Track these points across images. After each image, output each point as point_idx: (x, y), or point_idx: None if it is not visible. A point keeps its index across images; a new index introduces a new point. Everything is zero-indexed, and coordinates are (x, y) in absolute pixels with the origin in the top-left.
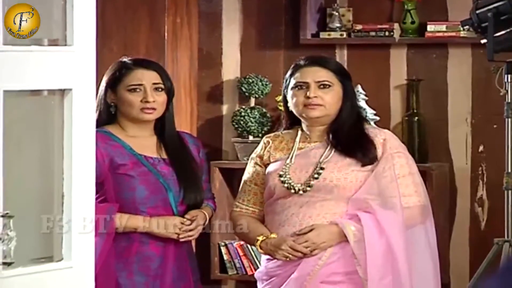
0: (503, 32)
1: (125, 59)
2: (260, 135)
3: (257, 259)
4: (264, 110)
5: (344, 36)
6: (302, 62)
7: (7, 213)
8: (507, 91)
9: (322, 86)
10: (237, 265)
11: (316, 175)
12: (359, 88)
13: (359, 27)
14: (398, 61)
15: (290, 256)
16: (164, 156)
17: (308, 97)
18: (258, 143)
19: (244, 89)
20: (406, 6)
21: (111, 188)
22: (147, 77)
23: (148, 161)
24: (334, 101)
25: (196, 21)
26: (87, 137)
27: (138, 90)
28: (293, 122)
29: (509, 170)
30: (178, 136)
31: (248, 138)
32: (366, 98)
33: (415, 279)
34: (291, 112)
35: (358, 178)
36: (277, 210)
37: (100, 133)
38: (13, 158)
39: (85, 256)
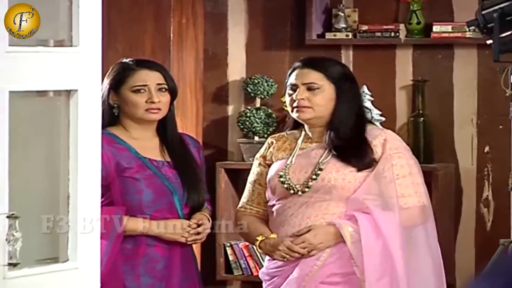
0: (509, 32)
1: (126, 60)
2: (265, 135)
3: (262, 259)
4: (269, 110)
5: (350, 36)
6: (297, 64)
7: (13, 214)
8: None
9: (310, 88)
10: (243, 265)
11: (314, 176)
12: (364, 88)
13: (364, 27)
14: (403, 61)
15: (288, 256)
16: (168, 159)
17: (295, 100)
18: (263, 143)
19: (249, 90)
20: (412, 7)
21: (118, 191)
22: (152, 78)
23: (152, 164)
24: (323, 103)
25: (201, 21)
26: (93, 137)
27: (142, 91)
28: (299, 122)
29: None
30: (180, 137)
31: (253, 138)
32: (372, 98)
33: (415, 279)
34: None
35: (357, 178)
36: (278, 210)
37: (105, 136)
38: (19, 159)
39: (91, 257)
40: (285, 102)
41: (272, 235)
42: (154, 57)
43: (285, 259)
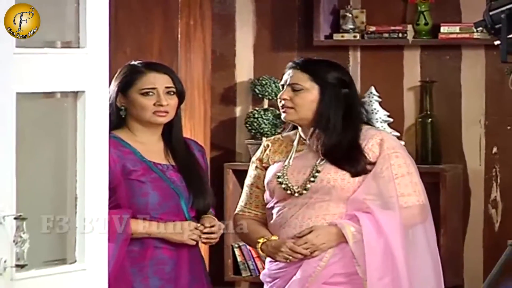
0: None
1: (134, 63)
2: None
3: None
4: (277, 111)
5: (358, 37)
6: (289, 64)
7: (20, 215)
8: None
9: (294, 89)
10: (251, 266)
11: (312, 178)
12: (372, 89)
13: (372, 28)
14: (411, 62)
15: (290, 257)
16: (172, 162)
17: (280, 100)
18: None
19: (257, 91)
20: (419, 8)
21: (124, 194)
22: (160, 81)
23: (157, 168)
24: (305, 104)
25: (209, 23)
26: (100, 139)
27: (151, 93)
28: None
29: None
30: (184, 141)
31: (261, 139)
32: (380, 99)
33: (415, 278)
34: None
35: (356, 179)
36: (277, 212)
37: (111, 139)
38: (26, 160)
39: (98, 259)
40: None
41: (273, 237)
42: (162, 59)
43: (288, 261)
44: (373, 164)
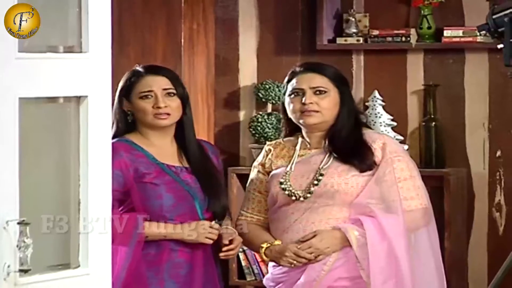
0: None
1: (137, 67)
2: None
3: None
4: (280, 116)
5: (361, 41)
6: (298, 69)
7: (23, 220)
8: None
9: (317, 92)
10: (255, 271)
11: (316, 182)
12: (376, 93)
13: (375, 32)
14: (414, 66)
15: (295, 262)
16: (186, 164)
17: (304, 104)
18: None
19: (261, 95)
20: (422, 12)
21: (138, 197)
22: (157, 83)
23: (171, 170)
24: (331, 107)
25: (212, 27)
26: (103, 143)
27: (149, 96)
28: (294, 129)
29: None
30: (198, 142)
31: (265, 144)
32: (383, 103)
33: (418, 282)
34: (291, 119)
35: (359, 183)
36: (280, 217)
37: (122, 143)
38: (30, 165)
39: (102, 263)
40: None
41: (277, 242)
42: (165, 63)
43: (292, 265)
44: (377, 165)
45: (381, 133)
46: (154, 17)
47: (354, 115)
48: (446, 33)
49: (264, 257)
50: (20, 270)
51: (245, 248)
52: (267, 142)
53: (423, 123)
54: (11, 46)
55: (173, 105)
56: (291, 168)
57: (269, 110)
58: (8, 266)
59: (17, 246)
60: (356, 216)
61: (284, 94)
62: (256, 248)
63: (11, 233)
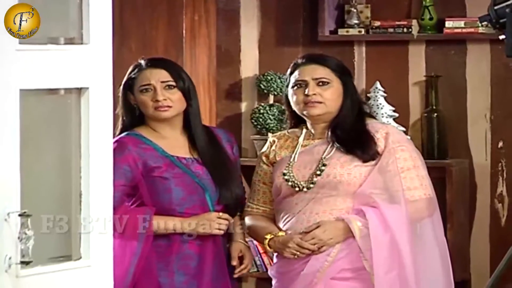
0: None
1: (140, 61)
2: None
3: None
4: (282, 107)
5: (363, 32)
6: (300, 61)
7: (24, 212)
8: None
9: (320, 83)
10: (258, 262)
11: (319, 172)
12: (377, 84)
13: (377, 23)
14: (416, 57)
15: (298, 253)
16: (196, 155)
17: (307, 95)
18: None
19: (262, 86)
20: (424, 3)
21: (146, 192)
22: (155, 76)
23: (181, 162)
24: (334, 98)
25: (214, 18)
26: (105, 135)
27: (149, 90)
28: (299, 121)
29: None
30: (210, 132)
31: (267, 135)
32: (385, 94)
33: (424, 272)
34: (295, 111)
35: (362, 173)
36: (284, 208)
37: (131, 137)
38: (31, 157)
39: (104, 255)
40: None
41: (281, 233)
42: (167, 54)
43: (295, 256)
44: (380, 155)
45: (385, 123)
46: (156, 8)
47: (357, 106)
48: (448, 24)
49: (268, 248)
50: (22, 262)
51: (247, 239)
52: (272, 134)
53: (425, 114)
54: (12, 38)
55: (174, 98)
56: (294, 158)
57: (271, 101)
58: (10, 258)
59: (19, 238)
60: (359, 206)
61: (287, 86)
62: (260, 239)
63: (13, 225)
